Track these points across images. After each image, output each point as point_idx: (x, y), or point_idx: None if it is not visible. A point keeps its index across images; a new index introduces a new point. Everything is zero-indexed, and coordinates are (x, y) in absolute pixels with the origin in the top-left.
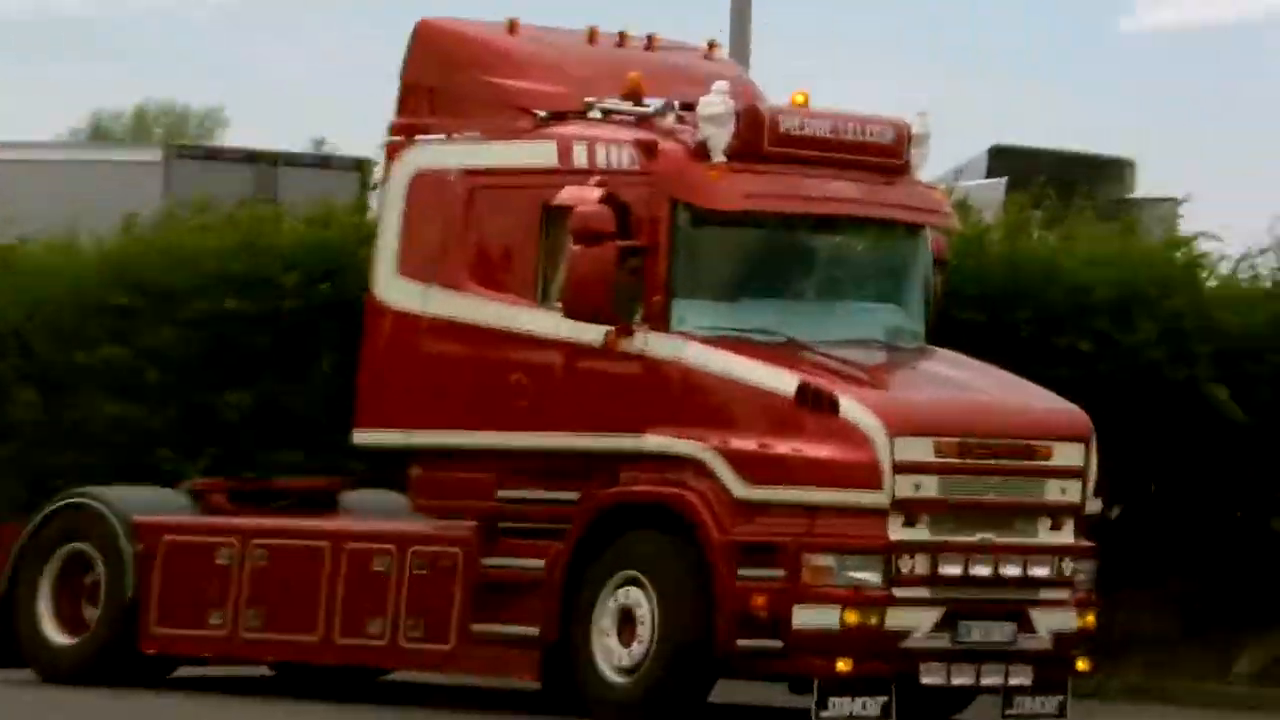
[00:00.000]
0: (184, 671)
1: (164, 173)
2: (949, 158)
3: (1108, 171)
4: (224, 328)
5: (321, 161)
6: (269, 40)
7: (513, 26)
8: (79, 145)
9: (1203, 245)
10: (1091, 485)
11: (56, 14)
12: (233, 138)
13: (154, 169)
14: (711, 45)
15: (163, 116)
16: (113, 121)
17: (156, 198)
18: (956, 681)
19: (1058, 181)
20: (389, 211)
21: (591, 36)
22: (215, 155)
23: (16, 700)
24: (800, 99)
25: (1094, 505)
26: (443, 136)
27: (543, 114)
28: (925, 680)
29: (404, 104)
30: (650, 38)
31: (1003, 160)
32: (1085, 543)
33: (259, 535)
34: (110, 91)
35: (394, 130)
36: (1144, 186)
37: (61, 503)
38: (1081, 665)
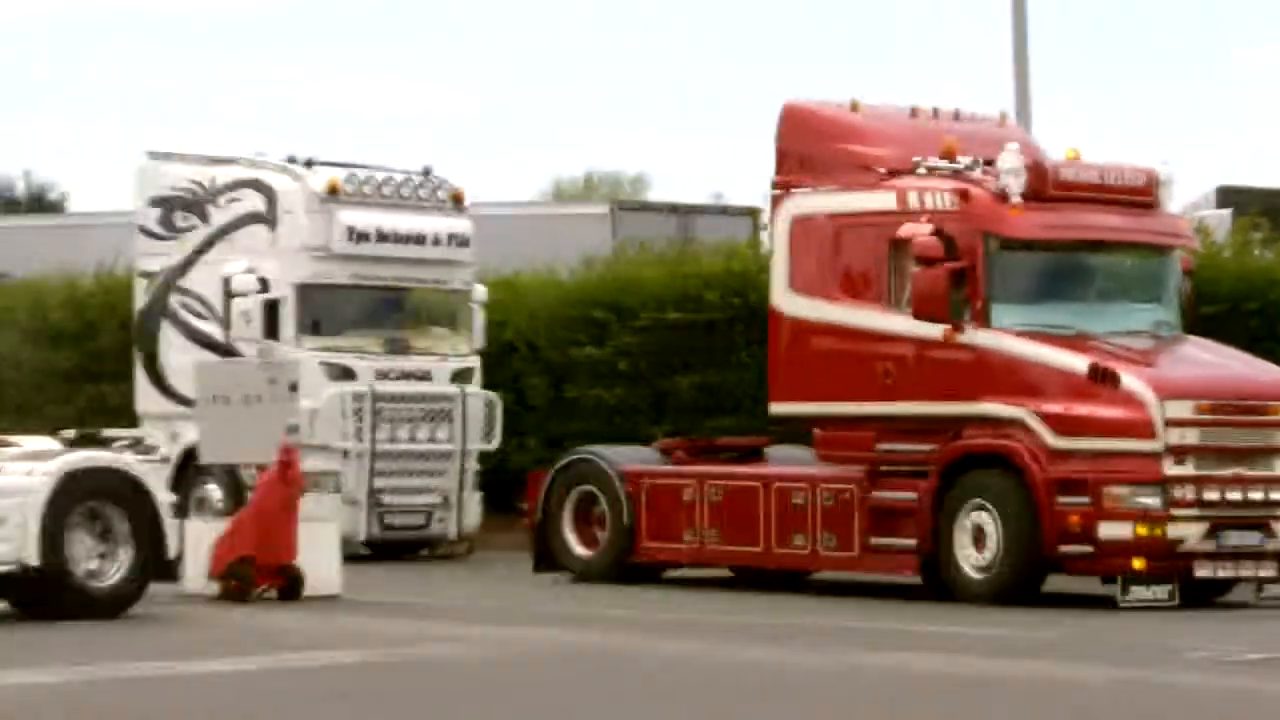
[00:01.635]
0: (669, 575)
1: (610, 222)
2: (1186, 194)
3: None
4: (668, 333)
5: (722, 210)
6: (671, 123)
7: (855, 105)
8: (545, 203)
9: None
10: None
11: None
12: (655, 194)
13: (603, 220)
14: (1003, 115)
15: (604, 180)
16: (569, 185)
17: (607, 241)
18: (1221, 574)
19: (1274, 212)
20: (778, 246)
21: (914, 111)
22: (646, 208)
23: (567, 590)
24: (1072, 154)
25: None
26: (812, 189)
27: (883, 170)
28: (1198, 574)
29: (780, 165)
30: (957, 111)
31: (1228, 196)
32: None
33: (712, 479)
34: (566, 163)
35: (775, 185)
36: None
37: (573, 457)
38: None
